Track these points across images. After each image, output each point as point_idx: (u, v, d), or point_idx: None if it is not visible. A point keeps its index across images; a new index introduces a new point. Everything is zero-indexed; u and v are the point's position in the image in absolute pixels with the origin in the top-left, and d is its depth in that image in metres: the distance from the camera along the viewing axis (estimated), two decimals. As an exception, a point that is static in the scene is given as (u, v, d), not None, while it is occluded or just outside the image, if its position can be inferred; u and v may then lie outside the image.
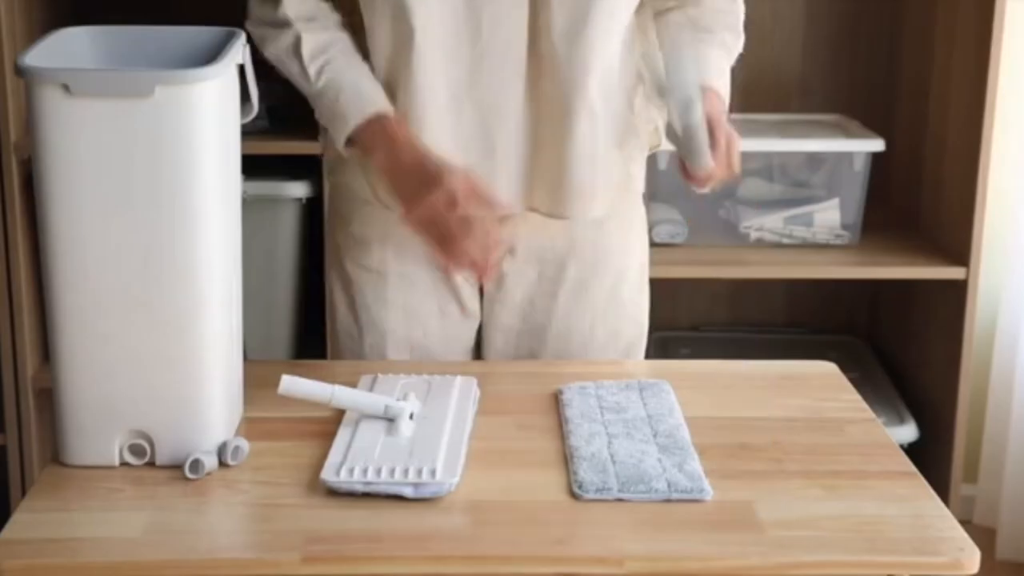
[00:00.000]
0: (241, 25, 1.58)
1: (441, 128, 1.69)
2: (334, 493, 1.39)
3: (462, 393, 1.62)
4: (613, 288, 1.84)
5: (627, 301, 1.86)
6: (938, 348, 2.76)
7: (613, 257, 1.83)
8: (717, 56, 1.77)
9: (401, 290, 1.80)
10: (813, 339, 3.13)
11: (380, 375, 1.66)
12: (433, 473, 1.40)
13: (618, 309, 1.85)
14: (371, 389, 1.62)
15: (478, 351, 1.88)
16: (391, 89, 1.69)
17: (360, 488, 1.39)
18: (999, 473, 2.97)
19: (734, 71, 1.81)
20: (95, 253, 1.39)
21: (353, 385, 1.60)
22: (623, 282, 1.85)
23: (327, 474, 1.41)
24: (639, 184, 1.86)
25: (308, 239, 2.70)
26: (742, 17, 1.83)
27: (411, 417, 1.52)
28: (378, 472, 1.41)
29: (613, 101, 1.73)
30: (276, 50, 1.70)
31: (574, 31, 1.66)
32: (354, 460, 1.43)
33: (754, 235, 2.74)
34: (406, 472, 1.40)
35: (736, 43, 1.82)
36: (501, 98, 1.70)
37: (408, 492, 1.39)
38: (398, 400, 1.54)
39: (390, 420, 1.52)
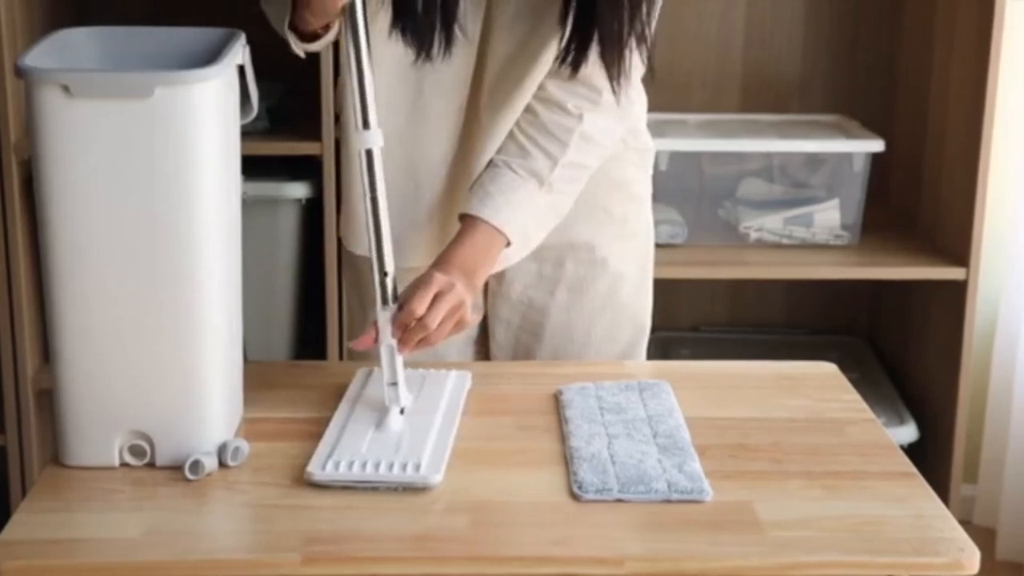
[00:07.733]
0: (241, 26, 1.58)
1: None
2: (322, 488, 1.40)
3: (455, 388, 1.63)
4: (611, 289, 1.84)
5: (625, 303, 1.86)
6: (938, 348, 2.76)
7: (610, 259, 1.83)
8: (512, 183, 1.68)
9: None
10: (813, 339, 3.13)
11: (376, 369, 1.65)
12: (417, 468, 1.42)
13: (616, 310, 1.85)
14: (365, 383, 1.63)
15: (484, 340, 1.90)
16: (341, 106, 1.75)
17: (343, 482, 1.40)
18: (999, 473, 2.97)
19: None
20: (95, 253, 1.39)
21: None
22: (621, 284, 1.85)
23: (313, 467, 1.42)
24: (641, 188, 1.86)
25: (308, 239, 2.70)
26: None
27: (402, 412, 1.53)
28: (363, 466, 1.42)
29: None
30: None
31: (501, 104, 1.69)
32: (340, 454, 1.44)
33: (754, 235, 2.74)
34: (391, 467, 1.42)
35: (580, 153, 1.70)
36: (431, 152, 1.73)
37: (392, 486, 1.40)
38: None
39: (381, 414, 1.53)
